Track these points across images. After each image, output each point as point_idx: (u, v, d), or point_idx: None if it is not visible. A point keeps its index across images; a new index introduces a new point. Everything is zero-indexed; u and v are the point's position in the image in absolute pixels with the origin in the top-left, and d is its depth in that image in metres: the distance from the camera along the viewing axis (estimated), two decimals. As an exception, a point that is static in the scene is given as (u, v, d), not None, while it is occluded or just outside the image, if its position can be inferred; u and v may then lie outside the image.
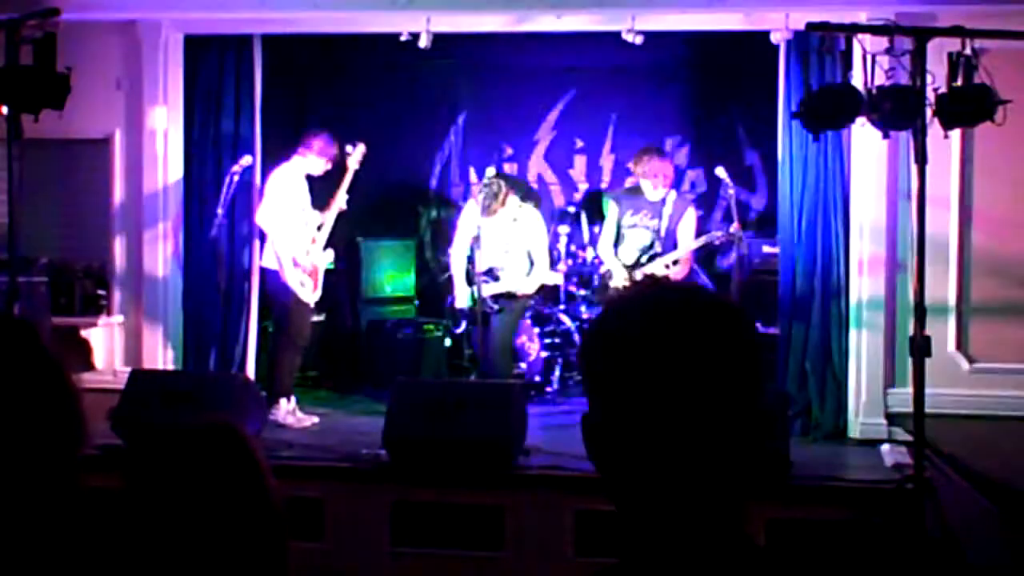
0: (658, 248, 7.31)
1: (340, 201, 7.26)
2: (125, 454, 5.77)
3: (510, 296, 7.38)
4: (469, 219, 7.41)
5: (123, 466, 1.72)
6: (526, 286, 7.41)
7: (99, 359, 7.48)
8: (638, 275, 7.26)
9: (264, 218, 7.07)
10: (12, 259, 5.79)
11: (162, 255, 7.54)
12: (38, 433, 1.58)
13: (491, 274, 7.31)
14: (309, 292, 7.16)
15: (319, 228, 7.26)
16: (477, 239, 7.23)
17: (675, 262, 7.26)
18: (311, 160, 7.12)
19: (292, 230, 7.08)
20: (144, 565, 1.67)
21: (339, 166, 7.28)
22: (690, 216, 7.38)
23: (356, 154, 7.26)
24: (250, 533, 1.72)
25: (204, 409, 5.70)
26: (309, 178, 7.22)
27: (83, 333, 7.42)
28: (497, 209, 7.22)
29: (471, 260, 7.33)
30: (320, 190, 7.33)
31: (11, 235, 5.75)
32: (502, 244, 7.37)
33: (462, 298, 7.46)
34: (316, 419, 7.13)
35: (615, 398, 1.26)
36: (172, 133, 7.58)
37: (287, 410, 7.01)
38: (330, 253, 7.34)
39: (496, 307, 7.30)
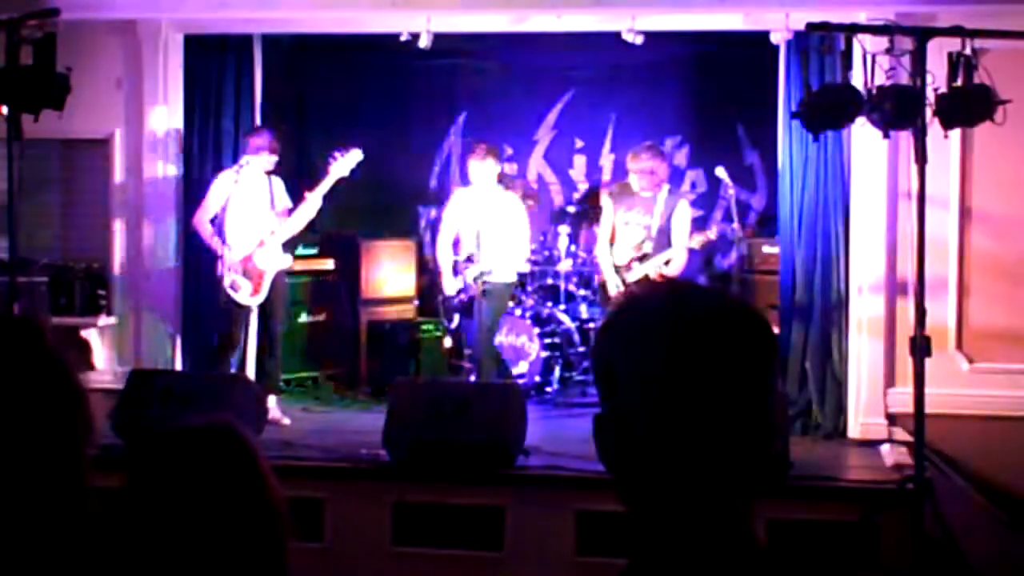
0: (649, 247, 7.22)
1: (309, 205, 6.94)
2: (125, 454, 5.78)
3: (491, 279, 7.31)
4: (454, 210, 7.49)
5: (124, 466, 1.72)
6: (506, 273, 7.37)
7: (99, 359, 7.47)
8: (631, 276, 7.19)
9: (197, 220, 7.02)
10: (12, 259, 5.79)
11: (162, 255, 7.53)
12: (45, 433, 1.58)
13: (470, 261, 7.26)
14: (245, 295, 6.96)
15: (273, 232, 6.98)
16: (471, 232, 7.23)
17: (667, 261, 7.18)
18: (263, 158, 6.96)
19: (231, 232, 6.99)
20: (145, 565, 1.67)
21: (322, 170, 7.05)
22: (683, 210, 7.27)
23: (347, 159, 6.89)
24: (251, 533, 1.72)
25: (204, 409, 5.68)
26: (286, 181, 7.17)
27: (83, 333, 7.41)
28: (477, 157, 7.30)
29: (455, 251, 7.45)
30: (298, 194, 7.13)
31: (11, 235, 5.75)
32: (484, 232, 7.33)
33: (450, 286, 7.40)
34: (288, 421, 7.03)
35: (629, 398, 1.25)
36: (172, 133, 7.58)
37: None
38: (288, 258, 7.08)
39: (481, 288, 7.14)
